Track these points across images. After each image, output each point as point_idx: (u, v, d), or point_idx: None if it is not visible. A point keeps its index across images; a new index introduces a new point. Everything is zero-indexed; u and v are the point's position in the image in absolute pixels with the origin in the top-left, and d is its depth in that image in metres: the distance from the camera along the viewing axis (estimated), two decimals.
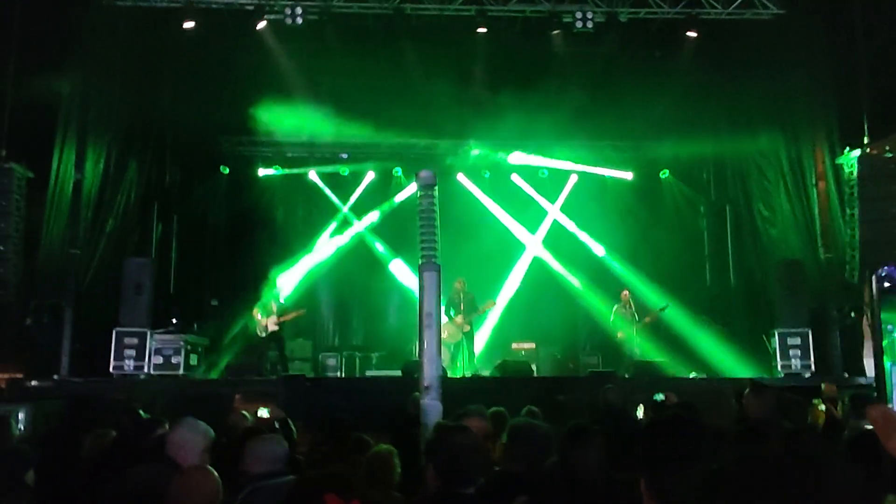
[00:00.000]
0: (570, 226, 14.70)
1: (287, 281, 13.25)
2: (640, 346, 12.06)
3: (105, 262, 11.05)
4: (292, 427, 5.11)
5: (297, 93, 12.57)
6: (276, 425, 5.17)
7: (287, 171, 14.66)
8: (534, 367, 12.04)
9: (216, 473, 2.45)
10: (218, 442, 4.90)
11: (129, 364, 10.14)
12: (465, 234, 13.26)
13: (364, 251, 14.59)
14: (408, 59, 11.79)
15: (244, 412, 4.85)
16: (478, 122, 12.74)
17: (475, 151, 14.32)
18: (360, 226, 14.76)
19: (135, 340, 10.22)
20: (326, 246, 14.53)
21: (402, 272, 14.03)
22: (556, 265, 14.46)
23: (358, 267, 14.31)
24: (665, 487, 1.64)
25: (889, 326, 0.69)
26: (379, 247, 14.60)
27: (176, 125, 12.65)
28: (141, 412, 4.87)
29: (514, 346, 13.10)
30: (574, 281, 14.20)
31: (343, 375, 12.97)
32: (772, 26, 11.40)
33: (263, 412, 5.12)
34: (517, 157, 14.53)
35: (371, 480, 3.38)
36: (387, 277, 14.26)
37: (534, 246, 14.64)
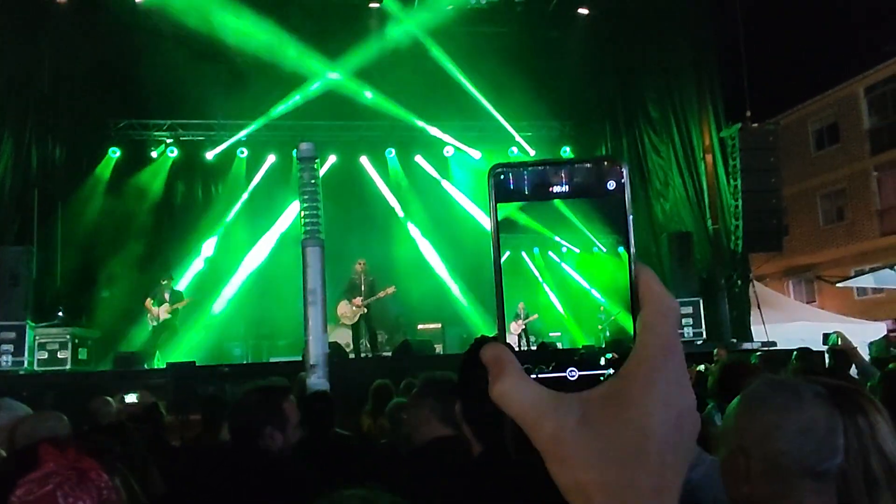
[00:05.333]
0: (468, 206, 14.66)
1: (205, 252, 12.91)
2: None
3: None
4: (162, 412, 4.87)
5: (190, 71, 12.06)
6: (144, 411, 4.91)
7: (182, 154, 14.09)
8: (438, 347, 12.05)
9: None
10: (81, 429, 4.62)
11: (6, 359, 9.53)
12: (363, 215, 13.17)
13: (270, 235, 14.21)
14: (299, 38, 11.50)
15: (108, 398, 4.57)
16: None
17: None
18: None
19: (12, 335, 9.61)
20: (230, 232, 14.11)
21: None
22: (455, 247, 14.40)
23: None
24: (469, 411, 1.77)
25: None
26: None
27: (56, 105, 11.96)
28: None
29: (420, 327, 13.08)
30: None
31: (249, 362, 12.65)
32: (659, 3, 11.69)
33: (131, 397, 4.86)
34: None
35: None
36: (293, 262, 13.92)
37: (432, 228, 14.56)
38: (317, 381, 6.06)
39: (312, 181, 6.25)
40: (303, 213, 6.20)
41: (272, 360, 12.63)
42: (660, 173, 12.65)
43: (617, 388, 0.48)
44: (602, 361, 0.52)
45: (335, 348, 9.19)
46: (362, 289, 11.14)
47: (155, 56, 11.82)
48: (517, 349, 0.52)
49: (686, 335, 10.94)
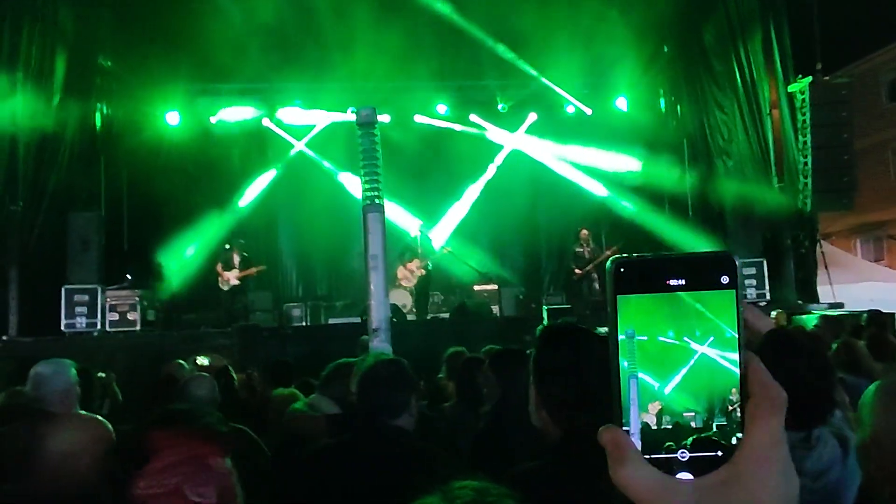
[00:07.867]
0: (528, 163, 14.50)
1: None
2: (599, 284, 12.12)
3: (51, 218, 10.73)
4: (233, 375, 5.02)
5: (247, 33, 12.11)
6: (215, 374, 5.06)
7: (241, 118, 14.20)
8: (495, 309, 12.06)
9: (99, 419, 2.16)
10: (156, 392, 4.81)
11: (81, 321, 9.93)
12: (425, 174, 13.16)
13: (325, 196, 14.27)
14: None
15: (181, 361, 4.73)
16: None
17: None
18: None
19: (85, 297, 10.00)
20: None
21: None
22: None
23: (320, 214, 14.06)
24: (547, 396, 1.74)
25: (629, 331, 0.58)
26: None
27: (120, 71, 12.20)
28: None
29: (476, 288, 13.07)
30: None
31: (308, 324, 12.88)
32: None
33: (203, 360, 5.02)
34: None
35: None
36: (350, 224, 13.98)
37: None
38: (380, 344, 6.14)
39: (373, 146, 6.23)
40: (364, 179, 6.20)
41: (331, 321, 12.85)
42: (723, 129, 12.23)
43: (728, 476, 0.53)
44: (734, 441, 0.55)
45: (395, 311, 9.30)
46: (418, 251, 11.20)
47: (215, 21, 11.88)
48: (654, 427, 0.57)
49: (749, 296, 10.69)
